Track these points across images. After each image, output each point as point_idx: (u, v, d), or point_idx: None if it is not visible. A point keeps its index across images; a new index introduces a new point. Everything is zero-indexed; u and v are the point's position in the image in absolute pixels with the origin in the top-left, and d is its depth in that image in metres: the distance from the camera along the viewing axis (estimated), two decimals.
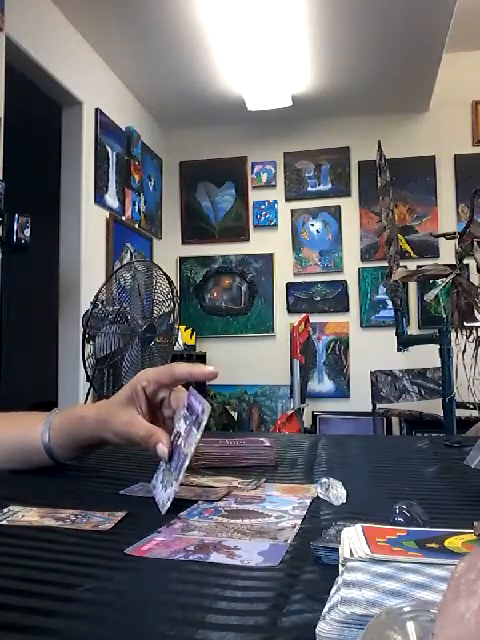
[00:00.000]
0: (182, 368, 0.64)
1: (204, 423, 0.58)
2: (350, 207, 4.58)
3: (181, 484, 0.67)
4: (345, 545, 0.36)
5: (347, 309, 4.52)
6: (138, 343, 2.66)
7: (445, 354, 2.81)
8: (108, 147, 3.83)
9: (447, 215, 4.44)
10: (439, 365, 2.87)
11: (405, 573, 0.31)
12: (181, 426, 0.62)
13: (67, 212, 3.52)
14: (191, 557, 0.43)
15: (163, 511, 0.55)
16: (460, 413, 2.99)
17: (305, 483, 0.69)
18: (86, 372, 2.67)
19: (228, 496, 0.62)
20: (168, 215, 4.83)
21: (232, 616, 0.33)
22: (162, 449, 0.61)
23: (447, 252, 3.94)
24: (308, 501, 0.60)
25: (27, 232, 2.59)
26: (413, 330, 4.24)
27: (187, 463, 0.57)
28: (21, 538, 0.47)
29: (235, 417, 4.48)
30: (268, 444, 0.84)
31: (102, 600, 0.36)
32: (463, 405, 3.20)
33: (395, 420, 4.19)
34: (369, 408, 3.74)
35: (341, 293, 4.53)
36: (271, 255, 4.65)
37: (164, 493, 0.57)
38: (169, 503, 0.55)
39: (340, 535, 0.39)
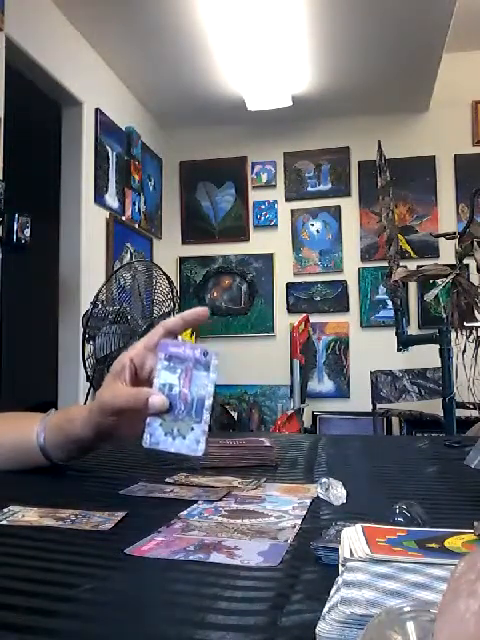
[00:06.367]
0: (172, 319, 0.63)
1: (214, 363, 0.56)
2: (350, 207, 4.58)
3: (181, 484, 0.67)
4: (345, 545, 0.36)
5: (347, 309, 4.52)
6: None
7: (445, 354, 2.80)
8: (108, 147, 3.83)
9: (447, 215, 4.43)
10: (439, 365, 2.87)
11: (405, 573, 0.31)
12: (167, 377, 0.60)
13: (67, 212, 3.51)
14: (191, 557, 0.43)
15: (200, 453, 0.54)
16: (460, 413, 2.99)
17: (305, 483, 0.69)
18: (86, 372, 2.67)
19: (228, 496, 0.62)
20: (168, 215, 4.82)
21: (232, 616, 0.33)
22: (156, 399, 0.59)
23: (447, 252, 3.94)
24: (308, 501, 0.60)
25: (27, 232, 2.59)
26: (413, 330, 4.24)
27: (209, 403, 0.55)
28: (21, 538, 0.47)
29: (235, 417, 4.47)
30: (268, 444, 0.84)
31: (102, 600, 0.36)
32: (463, 405, 3.20)
33: (395, 420, 4.19)
34: (369, 408, 3.74)
35: (341, 293, 4.53)
36: (271, 255, 4.65)
37: (183, 441, 0.56)
38: (203, 442, 0.54)
39: (340, 535, 0.39)
